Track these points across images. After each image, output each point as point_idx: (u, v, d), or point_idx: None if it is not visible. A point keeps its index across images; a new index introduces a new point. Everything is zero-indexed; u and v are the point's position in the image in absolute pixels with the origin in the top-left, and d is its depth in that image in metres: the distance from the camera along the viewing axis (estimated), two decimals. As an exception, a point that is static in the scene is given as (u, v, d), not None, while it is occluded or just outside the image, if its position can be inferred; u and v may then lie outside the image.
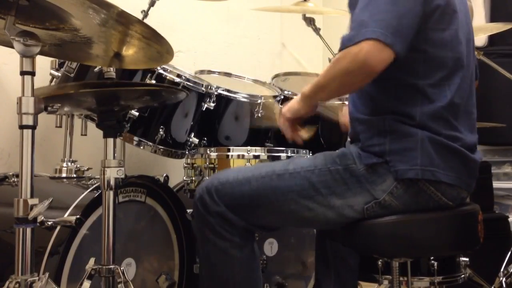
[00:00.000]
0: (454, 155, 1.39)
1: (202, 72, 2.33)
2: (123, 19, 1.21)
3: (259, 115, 2.10)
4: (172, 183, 2.16)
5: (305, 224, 1.51)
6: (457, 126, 1.41)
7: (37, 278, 1.17)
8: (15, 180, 1.83)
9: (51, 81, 1.91)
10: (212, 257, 1.47)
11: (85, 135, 2.10)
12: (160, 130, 1.93)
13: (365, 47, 1.27)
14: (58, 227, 1.54)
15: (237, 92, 2.10)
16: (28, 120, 1.16)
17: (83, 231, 1.61)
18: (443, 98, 1.39)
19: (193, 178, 1.98)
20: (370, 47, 1.27)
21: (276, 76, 2.49)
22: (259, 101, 2.12)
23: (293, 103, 1.52)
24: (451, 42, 1.41)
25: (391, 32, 1.28)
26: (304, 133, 1.60)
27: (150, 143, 1.93)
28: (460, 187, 1.42)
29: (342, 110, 1.80)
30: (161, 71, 1.88)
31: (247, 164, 1.87)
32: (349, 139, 1.54)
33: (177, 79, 1.92)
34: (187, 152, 2.05)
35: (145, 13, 2.17)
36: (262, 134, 2.20)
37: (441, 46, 1.39)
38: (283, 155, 1.90)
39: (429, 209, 1.41)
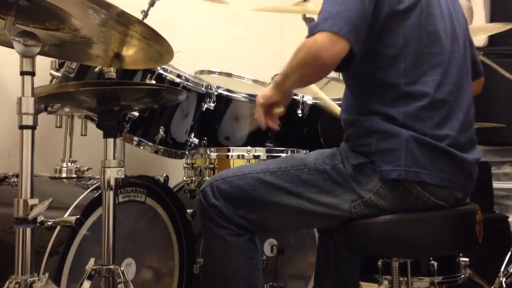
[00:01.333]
0: (442, 155, 1.39)
1: (202, 72, 2.34)
2: (123, 19, 1.21)
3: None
4: (172, 183, 2.16)
5: (297, 221, 1.52)
6: (444, 125, 1.40)
7: (37, 278, 1.17)
8: (15, 180, 1.83)
9: (51, 81, 1.91)
10: (212, 246, 1.51)
11: (85, 135, 2.10)
12: (160, 130, 1.93)
13: (318, 38, 1.30)
14: (58, 227, 1.54)
15: (237, 92, 2.11)
16: (28, 120, 1.16)
17: (83, 231, 1.61)
18: (424, 95, 1.38)
19: (193, 178, 1.98)
20: (323, 39, 1.30)
21: (276, 75, 2.48)
22: (259, 101, 2.11)
23: (266, 90, 1.56)
24: (428, 37, 1.41)
25: (347, 25, 1.30)
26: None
27: (150, 143, 1.93)
28: (451, 188, 1.41)
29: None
30: (161, 71, 1.88)
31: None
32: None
33: (177, 79, 1.92)
34: (187, 152, 2.05)
35: (145, 13, 2.17)
36: (262, 134, 2.20)
37: (418, 42, 1.40)
38: (283, 155, 1.91)
39: (418, 209, 1.41)
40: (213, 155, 1.94)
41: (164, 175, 1.87)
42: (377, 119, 1.39)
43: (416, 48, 1.40)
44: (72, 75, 1.82)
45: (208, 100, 2.04)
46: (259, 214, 1.49)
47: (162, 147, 1.96)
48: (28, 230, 1.17)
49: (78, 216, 1.53)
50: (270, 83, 2.38)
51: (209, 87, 2.03)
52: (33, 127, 1.17)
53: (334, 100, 2.24)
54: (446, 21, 1.46)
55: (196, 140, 2.06)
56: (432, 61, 1.41)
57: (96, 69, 1.79)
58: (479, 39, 3.01)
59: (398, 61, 1.39)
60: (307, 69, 1.36)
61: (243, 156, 1.91)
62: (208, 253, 1.54)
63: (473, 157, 1.45)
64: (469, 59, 1.54)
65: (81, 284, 1.36)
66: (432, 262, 1.89)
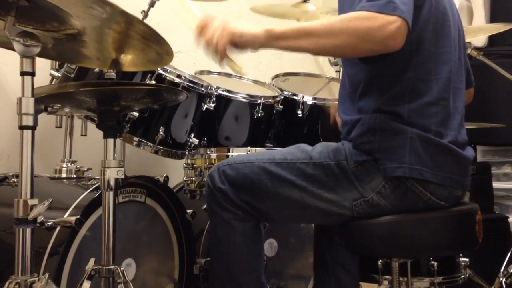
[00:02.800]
0: (445, 154, 1.40)
1: (202, 72, 2.34)
2: (124, 20, 1.20)
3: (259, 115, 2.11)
4: (172, 184, 2.16)
5: (298, 214, 1.52)
6: (448, 123, 1.42)
7: (37, 278, 1.17)
8: (15, 180, 1.83)
9: (51, 82, 1.91)
10: (218, 230, 1.52)
11: (85, 135, 2.10)
12: (160, 130, 1.93)
13: (399, 22, 1.24)
14: (58, 228, 1.54)
15: (237, 93, 2.10)
16: (28, 121, 1.16)
17: (83, 231, 1.61)
18: (430, 92, 1.39)
19: (193, 178, 1.98)
20: (402, 25, 1.25)
21: (276, 76, 2.49)
22: (259, 101, 2.12)
23: (249, 31, 1.35)
24: (438, 35, 1.42)
25: (411, 19, 1.28)
26: (234, 66, 1.44)
27: (150, 144, 1.93)
28: (451, 187, 1.42)
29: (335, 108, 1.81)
30: (161, 71, 1.88)
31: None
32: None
33: (177, 80, 1.92)
34: (187, 153, 2.05)
35: (145, 14, 2.17)
36: (262, 135, 2.21)
37: (429, 38, 1.41)
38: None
39: (418, 209, 1.41)
40: (213, 155, 1.94)
41: (164, 175, 1.87)
42: (381, 117, 1.39)
43: (427, 44, 1.40)
44: (72, 75, 1.82)
45: (208, 100, 2.04)
46: (262, 203, 1.49)
47: (162, 147, 1.96)
48: (28, 231, 1.17)
49: (78, 217, 1.54)
50: (270, 84, 2.39)
51: (209, 87, 2.03)
52: (33, 128, 1.17)
53: (334, 100, 2.24)
54: (451, 22, 1.47)
55: (196, 140, 2.06)
56: (440, 59, 1.42)
57: (96, 69, 1.80)
58: (479, 39, 3.01)
59: (411, 56, 1.39)
60: (365, 40, 1.26)
61: (243, 156, 1.91)
62: (213, 237, 1.55)
63: (470, 154, 1.48)
64: (463, 63, 1.55)
65: (81, 285, 1.36)
66: (432, 262, 1.90)
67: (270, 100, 2.16)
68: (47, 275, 1.20)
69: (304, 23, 1.36)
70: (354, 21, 1.27)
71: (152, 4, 2.18)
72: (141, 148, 1.93)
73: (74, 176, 1.93)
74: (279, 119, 2.24)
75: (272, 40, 1.34)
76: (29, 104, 1.16)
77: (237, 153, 1.92)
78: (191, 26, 1.41)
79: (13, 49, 1.16)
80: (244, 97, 2.11)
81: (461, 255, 2.00)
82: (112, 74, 1.55)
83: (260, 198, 1.49)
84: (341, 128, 1.53)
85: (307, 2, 2.56)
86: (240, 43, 1.35)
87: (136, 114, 1.85)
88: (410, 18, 1.27)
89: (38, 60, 1.18)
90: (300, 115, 2.22)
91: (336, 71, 2.82)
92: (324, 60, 3.39)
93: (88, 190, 1.66)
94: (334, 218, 1.45)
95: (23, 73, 1.16)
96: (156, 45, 1.32)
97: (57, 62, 1.89)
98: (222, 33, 1.35)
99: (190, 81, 1.96)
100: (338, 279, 1.67)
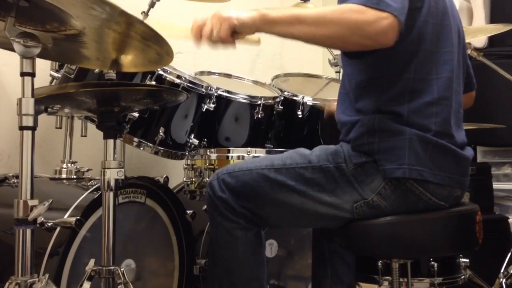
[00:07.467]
0: (445, 153, 1.40)
1: (202, 73, 2.34)
2: (124, 20, 1.20)
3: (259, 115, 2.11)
4: (172, 184, 2.16)
5: (299, 219, 1.52)
6: (448, 122, 1.42)
7: (37, 279, 1.17)
8: (15, 181, 1.83)
9: (51, 82, 1.91)
10: (219, 239, 1.52)
11: (85, 136, 2.10)
12: (160, 131, 1.93)
13: (391, 19, 1.24)
14: (58, 228, 1.54)
15: (237, 93, 2.11)
16: (28, 121, 1.16)
17: (83, 232, 1.61)
18: (430, 92, 1.40)
19: (193, 179, 1.98)
20: (394, 22, 1.24)
21: (276, 77, 2.49)
22: (259, 102, 2.12)
23: (245, 14, 1.34)
24: (439, 35, 1.42)
25: (404, 17, 1.27)
26: (248, 40, 1.43)
27: (150, 144, 1.93)
28: (451, 186, 1.42)
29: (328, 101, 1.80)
30: (161, 72, 1.88)
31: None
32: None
33: (177, 80, 1.92)
34: (187, 153, 2.05)
35: (145, 14, 2.17)
36: (262, 135, 2.21)
37: (430, 39, 1.41)
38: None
39: (419, 210, 1.41)
40: (213, 156, 1.94)
41: (164, 176, 1.87)
42: (379, 118, 1.39)
43: (428, 45, 1.40)
44: (72, 76, 1.82)
45: (208, 101, 2.04)
46: (263, 209, 1.49)
47: (162, 148, 1.96)
48: (28, 231, 1.17)
49: (78, 217, 1.54)
50: (270, 84, 2.39)
51: (209, 88, 2.03)
52: (33, 128, 1.17)
53: (334, 101, 2.25)
54: (452, 23, 1.47)
55: (196, 141, 2.06)
56: (442, 59, 1.42)
57: (96, 70, 1.80)
58: (479, 40, 3.01)
59: (411, 56, 1.39)
60: (355, 33, 1.25)
61: (243, 157, 1.91)
62: (214, 245, 1.55)
63: (470, 154, 1.49)
64: (463, 65, 1.55)
65: (81, 285, 1.36)
66: (432, 263, 1.90)
67: (270, 101, 2.16)
68: (47, 275, 1.20)
69: (299, 10, 1.35)
70: (346, 13, 1.26)
71: (152, 5, 2.18)
72: (141, 148, 1.94)
73: (74, 176, 1.92)
74: (279, 120, 2.24)
75: (266, 25, 1.34)
76: (29, 105, 1.16)
77: (237, 153, 1.92)
78: (187, 36, 1.40)
79: (13, 50, 1.16)
80: (244, 98, 2.11)
81: (461, 255, 2.00)
82: (112, 74, 1.55)
83: (261, 204, 1.49)
84: (340, 128, 1.53)
85: (307, 1, 2.56)
86: (238, 27, 1.35)
87: (136, 114, 1.85)
88: (402, 16, 1.27)
89: (38, 60, 1.18)
90: (300, 116, 2.22)
91: (336, 72, 2.82)
92: (324, 61, 3.39)
93: (88, 191, 1.66)
94: (335, 220, 1.45)
95: (23, 74, 1.16)
96: (156, 45, 1.32)
97: (57, 63, 1.89)
98: (219, 21, 1.34)
99: (190, 82, 1.96)
100: (335, 269, 1.68)
